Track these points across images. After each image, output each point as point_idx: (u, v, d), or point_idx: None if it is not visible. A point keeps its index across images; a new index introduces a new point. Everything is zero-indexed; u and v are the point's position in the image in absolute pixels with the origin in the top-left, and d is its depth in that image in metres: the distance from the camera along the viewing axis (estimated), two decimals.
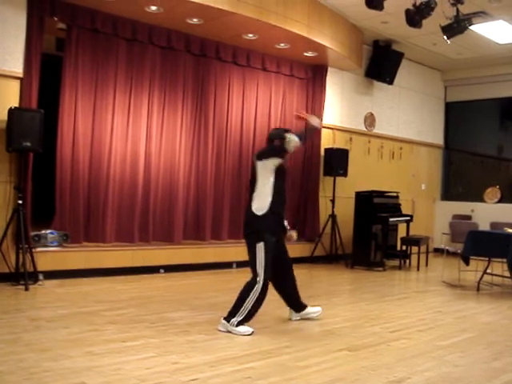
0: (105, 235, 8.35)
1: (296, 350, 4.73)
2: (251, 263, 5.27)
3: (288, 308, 5.85)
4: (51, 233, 7.68)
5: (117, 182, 8.49)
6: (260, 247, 5.20)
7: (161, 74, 8.96)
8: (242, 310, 5.17)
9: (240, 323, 5.17)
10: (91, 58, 8.20)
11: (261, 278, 5.18)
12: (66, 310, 5.85)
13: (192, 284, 7.92)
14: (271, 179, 5.32)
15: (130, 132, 8.62)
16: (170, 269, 8.56)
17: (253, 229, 5.28)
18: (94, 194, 8.29)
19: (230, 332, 5.16)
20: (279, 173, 5.41)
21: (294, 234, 5.69)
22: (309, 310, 5.87)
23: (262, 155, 5.41)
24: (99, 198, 8.31)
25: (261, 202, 5.30)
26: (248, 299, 5.17)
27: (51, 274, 7.38)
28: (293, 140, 5.30)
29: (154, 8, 7.89)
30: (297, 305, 5.83)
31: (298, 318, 5.83)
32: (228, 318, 5.21)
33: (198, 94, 9.44)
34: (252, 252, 5.26)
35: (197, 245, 9.26)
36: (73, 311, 5.81)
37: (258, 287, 5.18)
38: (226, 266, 9.27)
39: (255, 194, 5.35)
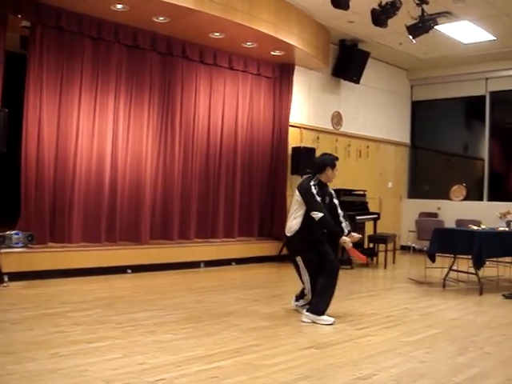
0: (71, 235, 8.27)
1: (263, 348, 4.73)
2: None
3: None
4: (16, 234, 7.57)
5: (83, 182, 8.41)
6: (299, 260, 5.98)
7: (127, 72, 8.91)
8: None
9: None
10: (56, 56, 8.11)
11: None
12: (32, 311, 5.77)
13: (159, 284, 7.88)
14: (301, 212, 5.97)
15: (95, 131, 8.54)
16: (137, 269, 8.49)
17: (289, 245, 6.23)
18: (60, 194, 8.20)
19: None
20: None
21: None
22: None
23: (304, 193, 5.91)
24: (65, 199, 8.23)
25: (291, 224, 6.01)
26: None
27: (16, 276, 7.26)
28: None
29: (119, 6, 7.84)
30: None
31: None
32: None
33: (165, 93, 9.40)
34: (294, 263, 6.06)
35: (164, 244, 9.22)
36: (38, 313, 5.73)
37: None
38: (194, 265, 9.24)
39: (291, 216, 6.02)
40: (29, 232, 7.72)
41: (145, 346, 4.66)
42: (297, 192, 5.88)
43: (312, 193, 5.77)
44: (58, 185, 8.19)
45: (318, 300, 5.80)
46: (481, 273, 8.10)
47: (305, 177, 6.12)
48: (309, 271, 5.86)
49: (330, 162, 5.95)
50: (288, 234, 5.92)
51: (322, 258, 5.86)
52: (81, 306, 6.08)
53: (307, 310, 5.80)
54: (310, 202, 5.78)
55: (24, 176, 7.80)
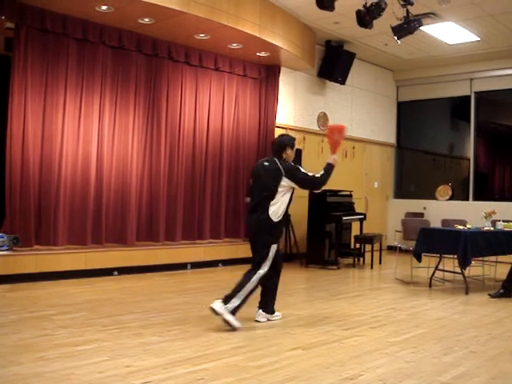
0: (57, 238, 8.23)
1: (249, 350, 4.73)
2: (259, 258, 5.67)
3: (256, 309, 5.91)
4: (1, 237, 7.54)
5: (68, 183, 8.38)
6: (273, 248, 5.69)
7: (112, 74, 8.88)
8: (240, 295, 5.42)
9: (234, 312, 5.40)
10: (41, 58, 8.08)
11: (263, 271, 5.61)
12: (17, 315, 5.75)
13: (146, 286, 7.86)
14: (290, 193, 5.84)
15: (81, 133, 8.51)
16: (124, 271, 8.49)
17: (268, 231, 5.68)
18: (45, 196, 8.16)
19: (221, 315, 5.37)
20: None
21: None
22: (275, 313, 5.97)
23: (292, 174, 5.73)
24: (50, 201, 8.19)
25: (276, 209, 5.68)
26: (247, 287, 5.49)
27: (1, 279, 7.24)
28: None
29: (104, 7, 7.81)
30: (270, 306, 5.92)
31: (265, 319, 5.87)
32: (225, 301, 5.40)
33: (151, 95, 9.38)
34: (265, 250, 5.65)
35: (150, 246, 9.20)
36: (23, 316, 5.71)
37: (257, 277, 5.57)
38: (181, 267, 9.24)
39: (273, 202, 5.66)
40: (14, 235, 7.68)
41: (131, 348, 4.65)
42: (283, 177, 5.67)
43: (299, 168, 5.82)
44: (44, 187, 8.15)
45: (272, 298, 5.93)
46: (467, 272, 8.14)
47: (267, 162, 5.84)
48: (271, 263, 5.69)
49: (288, 142, 5.92)
50: (275, 220, 5.66)
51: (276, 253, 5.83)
52: (67, 309, 6.07)
53: (263, 310, 5.88)
54: (307, 179, 5.83)
55: (9, 178, 7.76)
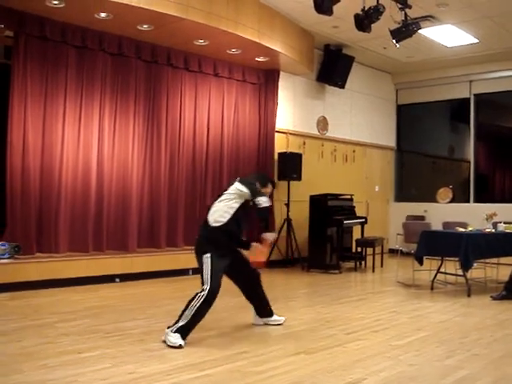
0: (58, 245, 8.24)
1: (252, 355, 4.73)
2: (200, 273, 5.28)
3: (252, 312, 5.89)
4: (2, 245, 7.53)
5: (69, 191, 8.38)
6: (207, 257, 5.20)
7: (112, 81, 8.89)
8: (184, 316, 5.02)
9: (178, 331, 4.98)
10: (40, 65, 8.09)
11: (206, 288, 5.10)
12: (19, 323, 5.74)
13: (148, 292, 7.86)
14: (236, 205, 5.40)
15: (81, 140, 8.52)
16: (126, 277, 8.48)
17: (202, 236, 5.39)
18: (46, 204, 8.16)
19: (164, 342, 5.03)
20: (244, 206, 5.47)
21: (268, 235, 5.59)
22: (274, 317, 5.90)
23: (244, 183, 5.48)
24: (51, 208, 8.19)
25: (215, 215, 5.37)
26: (191, 305, 5.05)
27: (3, 287, 7.22)
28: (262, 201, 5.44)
29: (103, 14, 7.83)
30: (264, 312, 5.86)
31: (261, 323, 5.85)
32: (171, 326, 5.06)
33: (150, 101, 9.39)
34: (200, 260, 5.28)
35: (152, 252, 9.19)
36: (26, 324, 5.70)
37: (202, 294, 5.07)
38: (182, 273, 9.21)
39: (214, 209, 5.43)
40: (15, 243, 7.67)
41: (134, 355, 4.65)
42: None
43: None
44: (44, 195, 8.15)
45: (260, 304, 5.82)
46: (468, 274, 8.12)
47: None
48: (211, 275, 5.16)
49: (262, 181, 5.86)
50: (212, 225, 5.32)
51: (241, 265, 5.61)
52: (69, 316, 6.06)
53: (257, 314, 5.85)
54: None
55: (9, 186, 7.76)
